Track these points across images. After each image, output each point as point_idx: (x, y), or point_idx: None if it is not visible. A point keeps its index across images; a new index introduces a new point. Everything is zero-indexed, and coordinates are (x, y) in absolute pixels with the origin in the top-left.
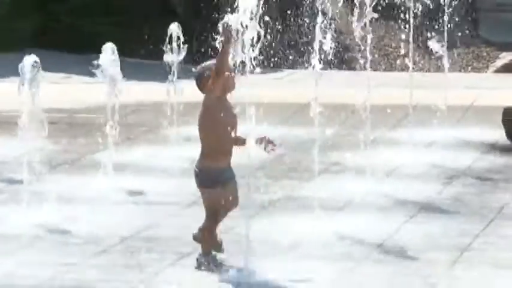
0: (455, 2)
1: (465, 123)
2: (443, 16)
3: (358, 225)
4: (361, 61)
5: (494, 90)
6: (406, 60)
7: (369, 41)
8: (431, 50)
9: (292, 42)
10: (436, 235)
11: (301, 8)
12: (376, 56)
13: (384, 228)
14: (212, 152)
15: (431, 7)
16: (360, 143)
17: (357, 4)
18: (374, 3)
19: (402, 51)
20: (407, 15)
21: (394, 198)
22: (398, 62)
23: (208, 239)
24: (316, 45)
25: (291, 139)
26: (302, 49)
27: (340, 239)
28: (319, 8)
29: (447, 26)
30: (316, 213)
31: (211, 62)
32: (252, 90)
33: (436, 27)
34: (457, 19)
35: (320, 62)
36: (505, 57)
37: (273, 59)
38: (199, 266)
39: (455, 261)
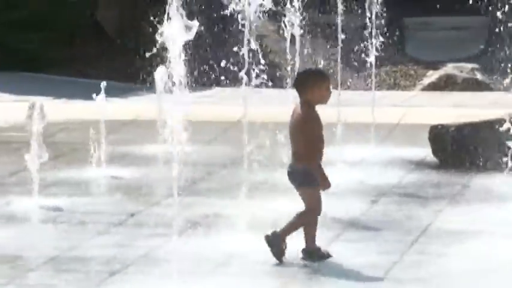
0: (383, 21)
1: (392, 141)
2: (371, 34)
3: (288, 245)
4: (290, 79)
5: (421, 108)
6: (335, 78)
7: (297, 59)
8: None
9: (222, 60)
10: (363, 253)
11: (230, 25)
12: None
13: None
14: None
15: (359, 25)
16: (289, 161)
17: (286, 22)
18: (303, 22)
19: (330, 69)
20: (335, 33)
21: (322, 216)
22: None
23: (313, 235)
24: (245, 63)
25: (220, 157)
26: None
27: (267, 258)
28: (249, 26)
29: (375, 44)
30: (245, 231)
31: (316, 69)
32: (182, 108)
33: (364, 45)
34: (384, 38)
35: (250, 80)
36: (432, 75)
37: (202, 77)
38: (306, 259)
39: (383, 278)
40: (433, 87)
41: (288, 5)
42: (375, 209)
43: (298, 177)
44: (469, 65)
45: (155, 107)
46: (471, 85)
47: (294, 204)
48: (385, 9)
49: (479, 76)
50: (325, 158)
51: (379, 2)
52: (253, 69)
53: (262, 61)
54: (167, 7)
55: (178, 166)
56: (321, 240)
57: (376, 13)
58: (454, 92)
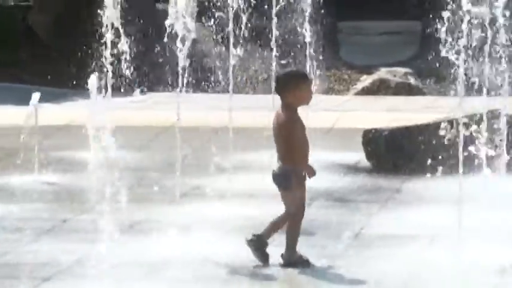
0: (317, 25)
1: (326, 145)
2: (305, 39)
3: (216, 249)
4: (224, 84)
5: (355, 112)
6: (269, 82)
7: (231, 64)
8: None
9: (155, 64)
10: None
11: (164, 30)
12: (239, 78)
13: (241, 251)
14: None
15: (293, 30)
16: (221, 166)
17: (220, 27)
18: (237, 26)
19: (265, 74)
20: (269, 38)
21: (255, 221)
22: (261, 84)
23: (295, 239)
24: (179, 68)
25: (153, 162)
26: (165, 71)
27: (198, 263)
28: (183, 31)
29: (309, 48)
30: (177, 236)
31: (296, 71)
32: (114, 113)
33: (299, 49)
34: (318, 42)
35: (183, 85)
36: (365, 80)
37: (135, 81)
38: (286, 266)
39: (316, 282)
40: (367, 91)
41: (222, 9)
42: (307, 213)
43: (283, 180)
44: (402, 70)
45: (88, 113)
46: (404, 89)
47: (226, 208)
48: (318, 13)
49: (412, 80)
50: (259, 162)
51: (313, 6)
52: (187, 74)
53: (196, 66)
54: (101, 12)
55: (111, 171)
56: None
57: (310, 17)
58: (387, 97)
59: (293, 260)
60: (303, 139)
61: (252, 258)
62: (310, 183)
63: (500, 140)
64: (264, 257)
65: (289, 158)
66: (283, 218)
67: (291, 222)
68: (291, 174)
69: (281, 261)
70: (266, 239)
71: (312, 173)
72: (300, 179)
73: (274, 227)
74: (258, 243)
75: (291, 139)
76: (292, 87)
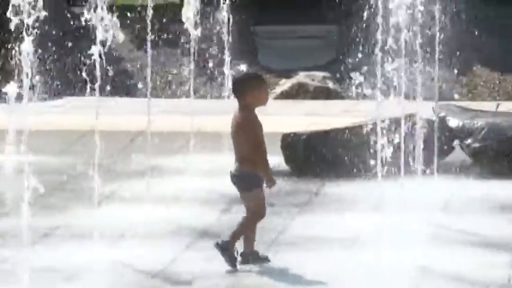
0: (235, 30)
1: None
2: (223, 43)
3: (138, 254)
4: (143, 88)
5: (273, 116)
6: (188, 86)
7: (149, 68)
8: (213, 76)
9: (73, 68)
10: (215, 261)
11: (81, 34)
12: (158, 82)
13: (163, 256)
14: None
15: (211, 34)
16: (141, 170)
17: (138, 30)
18: (156, 29)
19: (184, 78)
20: (189, 42)
21: (174, 225)
22: (180, 88)
23: (240, 235)
24: (97, 72)
25: (72, 167)
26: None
27: (119, 268)
28: (101, 34)
29: (228, 53)
30: (96, 241)
31: (253, 73)
32: (32, 117)
33: (217, 54)
34: (236, 46)
35: (102, 89)
36: (284, 84)
37: (52, 86)
38: (221, 251)
39: (234, 286)
40: (286, 95)
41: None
42: (227, 218)
43: (242, 181)
44: (321, 74)
45: (5, 117)
46: (323, 93)
47: (146, 212)
48: (236, 18)
49: (330, 84)
50: (178, 166)
51: (231, 11)
52: (105, 78)
53: (114, 70)
54: (16, 17)
55: (29, 177)
56: (173, 249)
57: (228, 22)
58: (306, 101)
59: (227, 252)
60: (261, 139)
61: (166, 261)
62: (229, 188)
63: (416, 144)
64: (231, 261)
65: (248, 158)
66: (248, 220)
67: (248, 220)
68: (250, 175)
69: (239, 258)
70: (233, 242)
71: (272, 182)
72: (259, 179)
73: (239, 230)
74: (225, 248)
75: (250, 140)
76: (250, 88)
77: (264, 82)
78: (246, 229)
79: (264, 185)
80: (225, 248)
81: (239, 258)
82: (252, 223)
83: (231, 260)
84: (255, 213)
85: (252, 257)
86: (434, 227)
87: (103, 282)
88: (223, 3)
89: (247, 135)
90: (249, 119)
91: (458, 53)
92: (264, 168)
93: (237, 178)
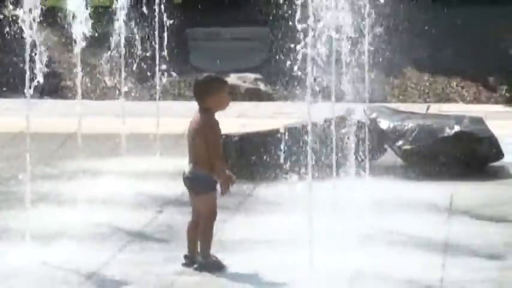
0: (166, 31)
1: (178, 152)
2: (154, 44)
3: (70, 256)
4: (74, 89)
5: None
6: (119, 88)
7: (80, 70)
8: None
9: (3, 70)
10: (149, 263)
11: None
12: (89, 84)
13: (96, 258)
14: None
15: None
16: (72, 173)
17: (71, 32)
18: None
19: (115, 80)
20: (119, 44)
21: (106, 227)
22: (110, 90)
23: (209, 242)
24: (27, 73)
25: (3, 169)
26: (13, 77)
27: (51, 270)
28: (31, 36)
29: (158, 54)
30: (26, 244)
31: (216, 76)
32: None
33: (148, 55)
34: (167, 48)
35: (32, 91)
36: None
37: None
38: (201, 269)
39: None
40: None
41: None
42: (160, 219)
43: (197, 184)
44: (252, 75)
45: None
46: (254, 95)
47: (77, 214)
48: (168, 19)
49: (261, 86)
50: (109, 168)
51: (162, 12)
52: (36, 80)
53: (46, 71)
54: None
55: None
56: (106, 252)
57: (160, 23)
58: (237, 102)
59: (208, 264)
60: (219, 144)
61: (99, 263)
62: (162, 190)
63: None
64: (218, 267)
65: (203, 162)
66: (206, 223)
67: (204, 225)
68: (206, 178)
69: (191, 264)
70: (207, 253)
71: (226, 187)
72: (213, 182)
73: (205, 238)
74: (206, 265)
75: (210, 142)
76: (212, 91)
77: (226, 86)
78: (208, 234)
79: (218, 189)
80: (204, 265)
81: (186, 261)
82: (209, 226)
83: (216, 267)
84: (208, 217)
85: (209, 262)
86: (366, 228)
87: (33, 284)
88: (156, 4)
89: (205, 139)
90: (209, 123)
91: (389, 55)
92: (220, 173)
93: (192, 180)
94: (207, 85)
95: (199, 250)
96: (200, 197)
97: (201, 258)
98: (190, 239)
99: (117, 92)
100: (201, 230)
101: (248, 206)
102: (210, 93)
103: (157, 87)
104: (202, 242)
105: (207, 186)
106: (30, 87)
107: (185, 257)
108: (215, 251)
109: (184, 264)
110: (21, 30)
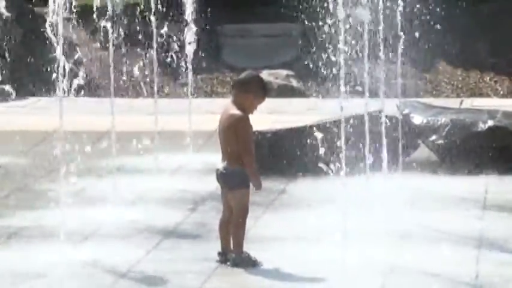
0: (199, 28)
1: (210, 149)
2: (185, 42)
3: (103, 254)
4: (107, 88)
5: None
6: (151, 86)
7: (112, 67)
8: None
9: (36, 69)
10: (182, 261)
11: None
12: (121, 82)
13: (129, 257)
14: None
15: (176, 33)
16: (106, 170)
17: (100, 31)
18: (119, 30)
19: (147, 78)
20: (151, 41)
21: (140, 225)
22: (143, 88)
23: (242, 238)
24: (60, 72)
25: (35, 167)
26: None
27: (87, 268)
28: (63, 35)
29: (191, 51)
30: (63, 242)
31: (258, 77)
32: None
33: (180, 53)
34: (200, 45)
35: (65, 89)
36: None
37: (16, 87)
38: (234, 265)
39: (201, 286)
40: None
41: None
42: (193, 217)
43: (231, 180)
44: (284, 72)
45: None
46: (286, 91)
47: (113, 212)
48: (200, 16)
49: (294, 83)
50: (143, 166)
51: (194, 9)
52: (68, 78)
53: (77, 70)
54: None
55: None
56: (139, 250)
57: (192, 20)
58: (269, 99)
59: (241, 260)
60: (250, 140)
61: (133, 261)
62: (195, 187)
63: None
64: (252, 263)
65: (236, 158)
66: (239, 219)
67: (237, 222)
68: (241, 174)
69: (224, 261)
70: (240, 250)
71: (259, 184)
72: (247, 178)
73: (238, 233)
74: (239, 261)
75: (244, 137)
76: (251, 90)
77: (266, 90)
78: (241, 230)
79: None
80: (238, 262)
81: (220, 258)
82: (242, 223)
83: (249, 263)
84: (242, 213)
85: (242, 259)
86: (399, 224)
87: (70, 283)
88: (187, 1)
89: (238, 135)
90: (243, 120)
91: (422, 50)
92: (252, 170)
93: (226, 176)
94: (249, 83)
95: (232, 247)
96: (234, 193)
97: (234, 254)
98: (223, 236)
99: (150, 89)
100: (233, 227)
101: (281, 203)
102: (248, 91)
103: (190, 84)
104: (235, 238)
105: (241, 183)
106: (62, 86)
107: (219, 253)
108: (248, 247)
109: (218, 261)
110: (54, 28)
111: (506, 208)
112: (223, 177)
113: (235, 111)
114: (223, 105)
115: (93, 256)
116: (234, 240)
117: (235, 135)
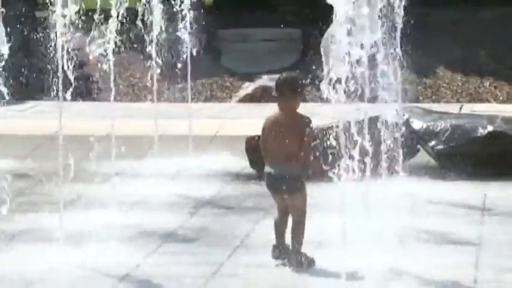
0: (198, 33)
1: (210, 153)
2: (185, 46)
3: (103, 258)
4: (105, 92)
5: (237, 119)
6: (151, 90)
7: (112, 72)
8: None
9: (36, 73)
10: (182, 265)
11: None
12: (121, 86)
13: (130, 260)
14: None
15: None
16: (105, 175)
17: (97, 35)
18: (118, 34)
19: (147, 82)
20: (151, 46)
21: (139, 229)
22: (142, 92)
23: (302, 239)
24: (59, 76)
25: (34, 171)
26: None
27: (84, 272)
28: (64, 39)
29: (190, 56)
30: (61, 245)
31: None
32: None
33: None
34: (199, 49)
35: (64, 93)
36: (248, 87)
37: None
38: (294, 265)
39: None
40: (249, 98)
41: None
42: (193, 221)
43: (293, 183)
44: None
45: None
46: None
47: (111, 216)
48: (199, 21)
49: None
50: (141, 171)
51: (193, 14)
52: (68, 83)
53: (77, 74)
54: None
55: None
56: (138, 254)
57: (191, 25)
58: (269, 104)
59: (301, 260)
60: (311, 141)
61: (132, 265)
62: (195, 191)
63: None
64: (309, 264)
65: (296, 160)
66: (300, 219)
67: (298, 222)
68: (301, 176)
69: (280, 256)
70: (300, 250)
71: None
72: (304, 181)
73: (298, 234)
74: (296, 259)
75: (304, 140)
76: (300, 91)
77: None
78: (303, 231)
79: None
80: (297, 261)
81: (275, 252)
82: (304, 223)
83: (310, 263)
84: (303, 214)
85: (302, 259)
86: (399, 228)
87: (66, 286)
88: (187, 5)
89: (308, 135)
90: (298, 120)
91: (421, 55)
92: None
93: (285, 180)
94: (298, 84)
95: (291, 246)
96: (295, 196)
97: (293, 254)
98: (281, 233)
99: (149, 94)
100: (295, 229)
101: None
102: (298, 92)
103: (189, 88)
104: (296, 238)
105: (302, 186)
106: (62, 90)
107: (274, 247)
108: (247, 252)
109: (274, 255)
110: (54, 33)
111: (506, 213)
112: (280, 181)
113: (294, 113)
114: (221, 110)
115: (92, 260)
116: (295, 240)
117: (300, 135)
